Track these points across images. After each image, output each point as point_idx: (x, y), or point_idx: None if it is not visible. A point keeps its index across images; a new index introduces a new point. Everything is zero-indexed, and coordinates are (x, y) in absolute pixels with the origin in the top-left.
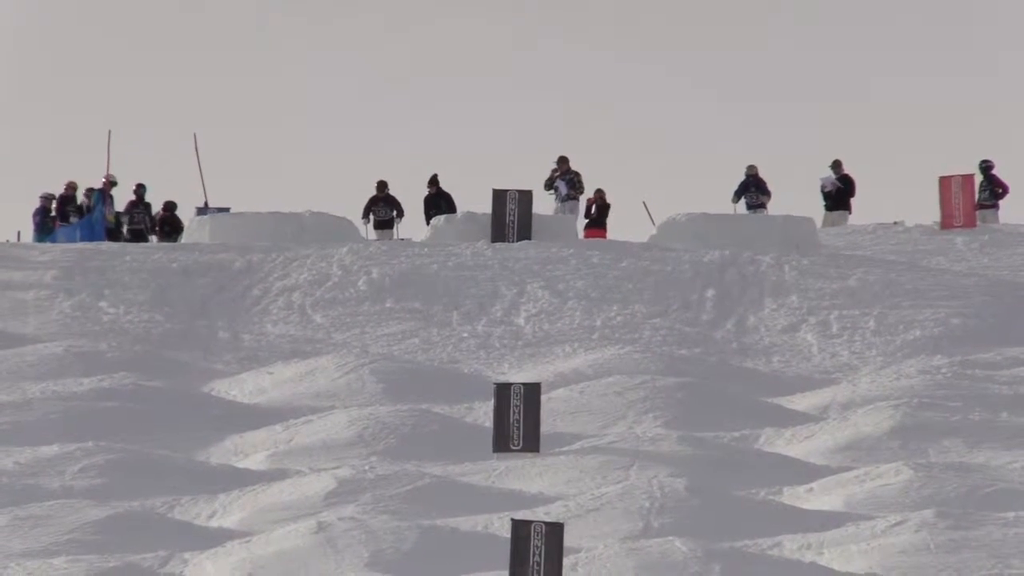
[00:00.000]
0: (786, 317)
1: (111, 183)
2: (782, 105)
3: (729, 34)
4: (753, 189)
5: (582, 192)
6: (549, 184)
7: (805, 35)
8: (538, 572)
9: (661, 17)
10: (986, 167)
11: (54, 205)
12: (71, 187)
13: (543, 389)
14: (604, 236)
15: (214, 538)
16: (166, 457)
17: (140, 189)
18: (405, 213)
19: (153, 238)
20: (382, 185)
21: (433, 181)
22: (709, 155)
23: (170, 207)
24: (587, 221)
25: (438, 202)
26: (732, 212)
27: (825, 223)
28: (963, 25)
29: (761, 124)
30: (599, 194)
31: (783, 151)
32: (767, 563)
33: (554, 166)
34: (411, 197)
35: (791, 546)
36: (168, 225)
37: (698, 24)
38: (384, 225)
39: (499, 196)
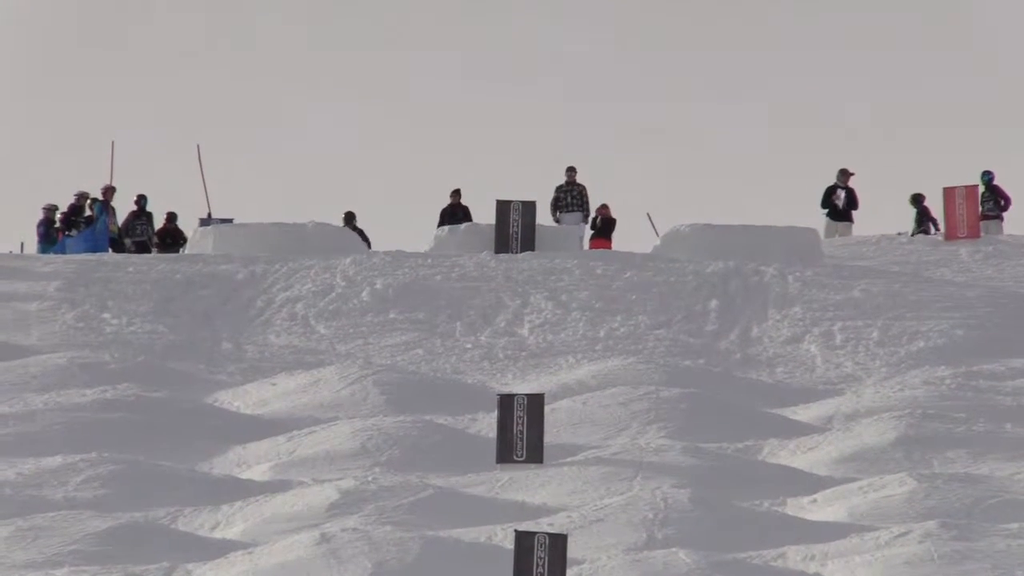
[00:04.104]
0: (790, 328)
1: (111, 192)
2: (782, 111)
3: (729, 35)
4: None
5: (587, 209)
6: (555, 207)
7: (806, 37)
8: None
9: (661, 17)
10: (988, 178)
11: (58, 216)
12: (82, 197)
13: (547, 400)
14: (609, 248)
15: (217, 549)
16: (169, 468)
17: (141, 200)
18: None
19: (154, 250)
20: (350, 216)
21: (455, 193)
22: (710, 157)
23: (172, 218)
24: (592, 233)
25: (456, 213)
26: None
27: (828, 233)
28: (964, 29)
29: (761, 127)
30: (604, 209)
31: (784, 159)
32: (771, 574)
33: (560, 183)
34: (412, 205)
35: (795, 557)
36: (170, 236)
37: (697, 24)
38: None
39: (503, 207)
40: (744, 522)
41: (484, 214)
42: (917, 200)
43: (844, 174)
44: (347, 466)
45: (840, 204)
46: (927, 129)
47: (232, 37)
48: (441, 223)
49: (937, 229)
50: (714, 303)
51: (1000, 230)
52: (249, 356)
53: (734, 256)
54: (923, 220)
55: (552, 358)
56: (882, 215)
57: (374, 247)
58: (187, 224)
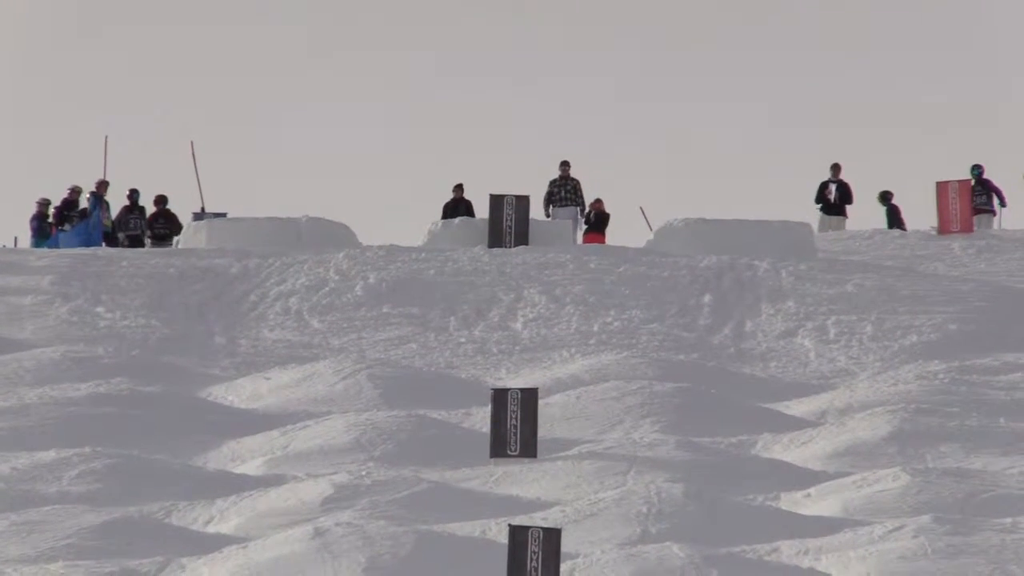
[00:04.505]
0: (783, 322)
1: (105, 186)
2: (777, 106)
3: (729, 35)
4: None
5: (581, 203)
6: (548, 201)
7: (805, 37)
8: None
9: (659, 15)
10: (977, 172)
11: (52, 210)
12: (75, 191)
13: (540, 394)
14: (603, 242)
15: (211, 544)
16: (163, 463)
17: (134, 194)
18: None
19: (147, 241)
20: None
21: (457, 188)
22: (705, 152)
23: (161, 200)
24: (586, 228)
25: (458, 208)
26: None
27: (822, 228)
28: (963, 29)
29: (759, 127)
30: (598, 203)
31: (781, 155)
32: (764, 569)
33: (553, 177)
34: (407, 200)
35: (789, 552)
36: (163, 218)
37: (695, 22)
38: None
39: (496, 201)
40: (738, 516)
41: (484, 210)
42: (885, 198)
43: (836, 168)
44: (341, 460)
45: (832, 198)
46: (924, 127)
47: (227, 34)
48: (444, 218)
49: (904, 229)
50: (707, 298)
51: (992, 224)
52: (243, 350)
53: (727, 251)
54: (893, 218)
55: (546, 352)
56: (876, 210)
57: (368, 241)
58: (181, 218)
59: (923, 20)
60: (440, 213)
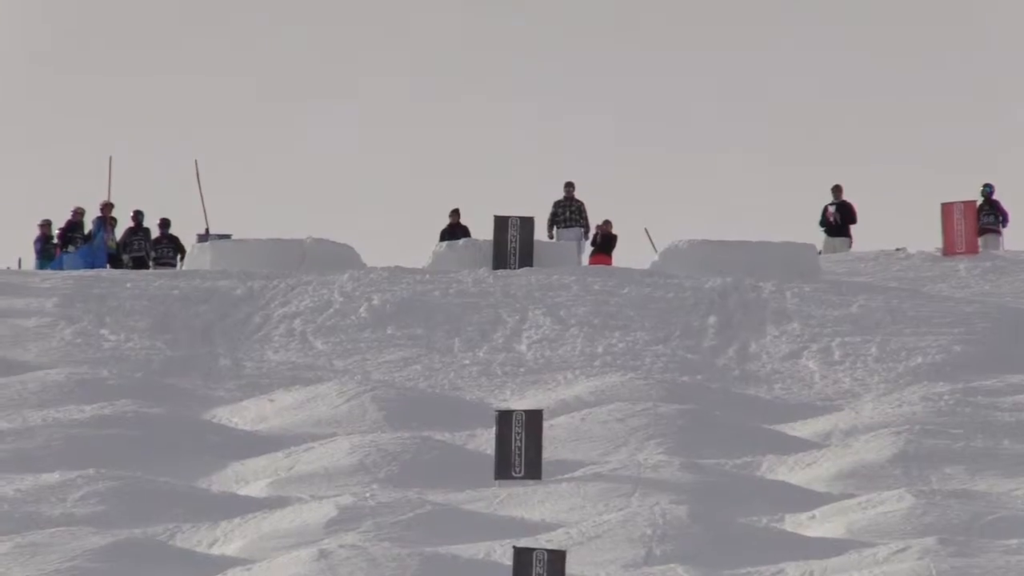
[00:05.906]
0: (788, 344)
1: (109, 208)
2: (782, 127)
3: (731, 39)
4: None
5: (585, 225)
6: (552, 222)
7: (807, 50)
8: None
9: (660, 29)
10: (988, 191)
11: (55, 231)
12: (79, 213)
13: (545, 416)
14: (609, 264)
15: (215, 566)
16: (167, 484)
17: (138, 215)
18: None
19: (151, 264)
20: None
21: (454, 213)
22: (713, 178)
23: (165, 224)
24: (592, 249)
25: (455, 234)
26: (734, 239)
27: (826, 249)
28: (964, 44)
29: (761, 146)
30: (606, 225)
31: (784, 176)
32: None
33: (558, 199)
34: (412, 221)
35: (793, 573)
36: (166, 240)
37: (697, 40)
38: None
39: (501, 223)
40: (742, 538)
41: (483, 231)
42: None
43: (837, 190)
44: (345, 482)
45: (833, 219)
46: (927, 143)
47: (233, 53)
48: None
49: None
50: (712, 319)
51: (998, 245)
52: (247, 372)
53: (732, 272)
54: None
55: (550, 374)
56: (880, 230)
57: (372, 263)
58: (185, 240)
59: (926, 26)
60: (437, 239)
